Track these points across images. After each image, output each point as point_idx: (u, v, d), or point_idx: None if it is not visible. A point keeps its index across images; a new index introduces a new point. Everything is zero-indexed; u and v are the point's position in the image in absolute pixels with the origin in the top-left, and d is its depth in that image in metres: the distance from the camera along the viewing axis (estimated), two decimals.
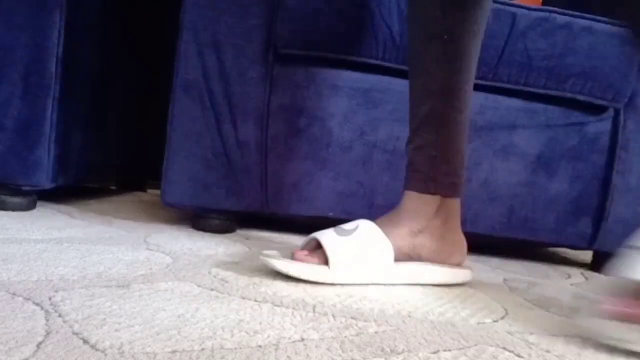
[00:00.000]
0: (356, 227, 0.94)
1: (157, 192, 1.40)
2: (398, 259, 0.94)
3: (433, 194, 0.99)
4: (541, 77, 1.27)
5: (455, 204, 1.01)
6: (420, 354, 0.62)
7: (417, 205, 0.99)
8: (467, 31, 0.96)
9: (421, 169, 0.99)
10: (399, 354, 0.61)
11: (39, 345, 0.53)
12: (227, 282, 0.83)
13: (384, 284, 0.93)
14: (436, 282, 0.97)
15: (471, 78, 1.00)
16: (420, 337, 0.67)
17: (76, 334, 0.57)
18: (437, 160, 0.98)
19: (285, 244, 1.21)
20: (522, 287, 1.07)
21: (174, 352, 0.55)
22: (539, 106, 1.31)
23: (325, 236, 0.92)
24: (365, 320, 0.72)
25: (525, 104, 1.30)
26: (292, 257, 0.91)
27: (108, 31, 1.48)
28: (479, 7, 0.96)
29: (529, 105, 1.30)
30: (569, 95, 1.28)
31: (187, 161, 1.23)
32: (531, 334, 0.75)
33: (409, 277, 0.95)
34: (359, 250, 0.91)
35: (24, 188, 1.25)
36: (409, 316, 0.76)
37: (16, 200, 1.25)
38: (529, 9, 1.24)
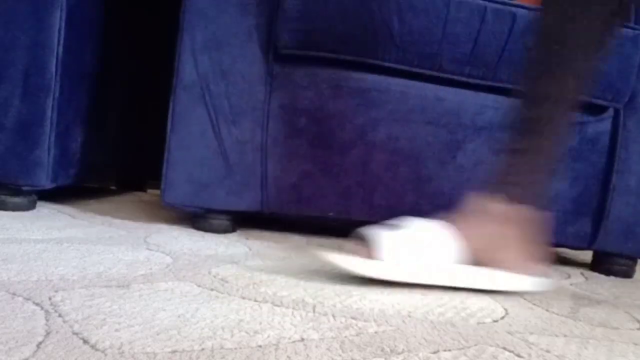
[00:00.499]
0: (413, 224, 0.93)
1: (157, 192, 1.40)
2: (470, 262, 0.93)
3: (520, 202, 0.96)
4: None
5: (534, 214, 0.97)
6: (420, 354, 0.62)
7: (500, 210, 0.96)
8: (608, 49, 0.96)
9: (512, 174, 0.96)
10: (399, 354, 0.61)
11: (39, 345, 0.53)
12: (227, 282, 0.83)
13: (444, 286, 0.92)
14: (507, 289, 0.96)
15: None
16: (420, 337, 0.67)
17: (76, 334, 0.57)
18: (533, 168, 0.96)
19: (289, 243, 1.21)
20: None
21: (174, 352, 0.55)
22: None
23: (383, 231, 0.91)
24: (365, 320, 0.72)
25: None
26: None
27: (108, 31, 1.48)
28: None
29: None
30: None
31: (187, 161, 1.23)
32: (531, 334, 0.75)
33: (476, 282, 0.94)
34: (417, 247, 0.91)
35: (24, 188, 1.25)
36: (409, 316, 0.76)
37: (16, 200, 1.25)
38: (529, 9, 1.24)
